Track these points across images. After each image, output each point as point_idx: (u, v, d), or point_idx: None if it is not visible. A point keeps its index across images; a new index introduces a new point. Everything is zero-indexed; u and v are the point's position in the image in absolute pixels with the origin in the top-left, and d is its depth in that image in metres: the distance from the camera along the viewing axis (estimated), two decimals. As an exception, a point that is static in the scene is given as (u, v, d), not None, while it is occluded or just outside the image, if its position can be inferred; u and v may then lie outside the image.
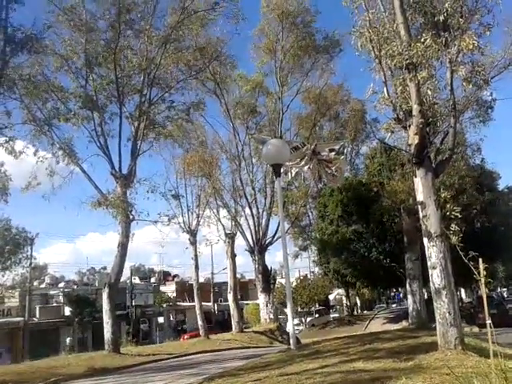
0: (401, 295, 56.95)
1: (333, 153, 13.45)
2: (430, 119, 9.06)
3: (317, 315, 49.96)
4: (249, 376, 7.98)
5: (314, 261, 51.73)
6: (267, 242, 27.62)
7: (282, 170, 12.51)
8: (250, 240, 27.16)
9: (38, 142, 17.82)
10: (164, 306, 52.21)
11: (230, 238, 25.48)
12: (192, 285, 31.05)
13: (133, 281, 48.85)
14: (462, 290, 53.02)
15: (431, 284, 8.35)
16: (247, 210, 27.83)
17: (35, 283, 46.79)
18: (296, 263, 53.71)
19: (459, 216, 8.01)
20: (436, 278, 8.20)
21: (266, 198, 28.32)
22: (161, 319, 50.80)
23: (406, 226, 21.34)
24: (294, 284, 45.20)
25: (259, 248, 26.94)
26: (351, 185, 32.72)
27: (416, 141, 8.43)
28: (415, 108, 8.35)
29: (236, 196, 28.04)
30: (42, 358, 16.58)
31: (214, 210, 26.82)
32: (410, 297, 21.06)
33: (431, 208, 8.37)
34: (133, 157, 18.01)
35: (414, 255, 20.27)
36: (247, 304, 48.43)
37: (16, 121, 16.66)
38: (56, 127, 17.70)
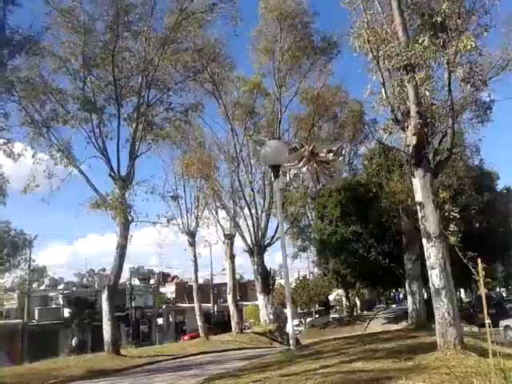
0: (401, 296, 56.94)
1: (331, 154, 13.44)
2: (428, 120, 9.09)
3: (316, 316, 50.01)
4: (249, 377, 7.99)
5: (313, 261, 51.83)
6: (266, 242, 27.66)
7: (280, 171, 12.52)
8: (249, 241, 27.17)
9: (36, 144, 17.82)
10: (163, 307, 52.19)
11: (229, 239, 25.51)
12: (191, 286, 31.08)
13: (132, 282, 48.86)
14: (462, 290, 53.02)
15: (430, 284, 8.37)
16: (246, 211, 27.90)
17: (34, 285, 46.73)
18: (295, 264, 53.84)
19: (458, 216, 8.04)
20: (435, 278, 8.21)
21: (264, 199, 28.37)
22: (160, 320, 50.76)
23: (405, 226, 21.39)
24: (294, 285, 45.24)
25: (258, 249, 26.96)
26: (350, 185, 32.71)
27: (414, 141, 8.45)
28: (413, 109, 8.37)
29: (235, 197, 28.07)
30: (41, 360, 16.55)
31: (213, 211, 26.88)
32: (409, 297, 21.12)
33: (430, 208, 8.38)
34: (131, 158, 18.01)
35: (414, 255, 20.33)
36: (247, 305, 48.44)
37: (14, 123, 16.65)
38: (54, 129, 17.70)
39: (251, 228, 27.32)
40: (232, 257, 25.48)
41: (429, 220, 8.37)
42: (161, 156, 24.72)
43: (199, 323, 24.28)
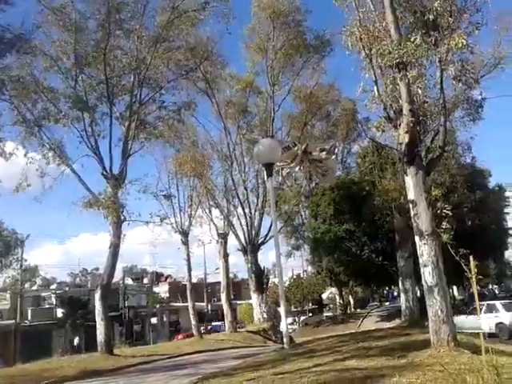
0: (395, 293, 57.07)
1: (324, 152, 13.48)
2: (421, 118, 9.10)
3: (310, 314, 50.12)
4: (243, 375, 7.98)
5: (306, 260, 51.86)
6: (260, 241, 27.66)
7: (273, 170, 12.52)
8: (243, 240, 27.17)
9: (28, 143, 17.72)
10: (157, 306, 52.12)
11: (223, 237, 25.51)
12: (185, 285, 31.04)
13: (125, 282, 48.71)
14: (455, 288, 53.27)
15: (423, 282, 8.39)
16: (240, 210, 27.90)
17: (26, 285, 46.50)
18: (289, 262, 53.83)
19: (450, 214, 8.07)
20: (428, 275, 8.23)
21: (258, 198, 28.37)
22: (154, 320, 50.68)
23: (398, 224, 21.47)
24: (288, 283, 45.32)
25: (252, 247, 26.96)
26: (343, 184, 32.75)
27: (407, 139, 8.46)
28: (405, 107, 8.38)
29: (228, 196, 28.07)
30: (34, 360, 16.46)
31: (207, 210, 26.88)
32: (402, 295, 21.21)
33: (422, 206, 8.40)
34: (124, 157, 17.94)
35: (406, 253, 20.41)
36: (240, 304, 48.44)
37: (5, 122, 16.60)
38: (46, 128, 17.63)
39: (245, 227, 27.32)
40: (226, 256, 25.47)
41: (421, 218, 8.39)
42: (154, 155, 24.74)
43: (193, 322, 24.27)
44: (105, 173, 17.45)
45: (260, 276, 27.16)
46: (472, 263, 5.76)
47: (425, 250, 8.30)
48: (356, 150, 38.40)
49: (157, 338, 43.56)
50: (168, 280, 67.14)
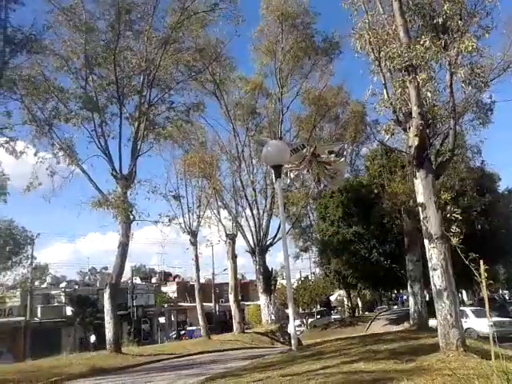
0: (404, 297, 56.74)
1: (332, 155, 13.46)
2: (430, 121, 9.08)
3: (318, 316, 49.94)
4: (250, 376, 8.00)
5: (314, 262, 51.74)
6: (268, 242, 27.67)
7: (282, 172, 12.52)
8: (251, 241, 27.19)
9: (38, 143, 17.83)
10: (165, 306, 52.29)
11: (231, 238, 25.50)
12: (193, 285, 31.09)
13: (134, 281, 48.93)
14: (464, 292, 52.90)
15: (432, 286, 8.36)
16: (248, 211, 27.92)
17: (36, 283, 46.82)
18: (297, 264, 53.62)
19: (459, 218, 8.02)
20: (437, 279, 8.21)
21: (266, 199, 28.38)
22: (162, 319, 50.87)
23: (407, 227, 21.31)
24: (295, 285, 45.26)
25: (260, 249, 26.98)
26: (352, 186, 32.71)
27: (416, 142, 8.44)
28: (415, 110, 8.37)
29: (236, 197, 28.12)
30: (43, 357, 16.61)
31: (215, 211, 26.87)
32: (411, 298, 21.04)
33: (432, 209, 8.38)
34: (133, 157, 18.01)
35: (415, 257, 20.25)
36: (248, 305, 48.46)
37: (16, 121, 16.67)
38: (56, 128, 17.70)
39: (253, 228, 27.36)
40: (234, 257, 25.47)
41: (430, 221, 8.36)
42: (162, 155, 24.84)
43: (201, 322, 24.31)
44: (114, 173, 17.54)
45: (268, 277, 27.14)
46: (482, 267, 5.74)
47: (434, 254, 8.28)
48: (365, 153, 38.29)
49: (164, 338, 43.74)
50: (176, 280, 67.30)
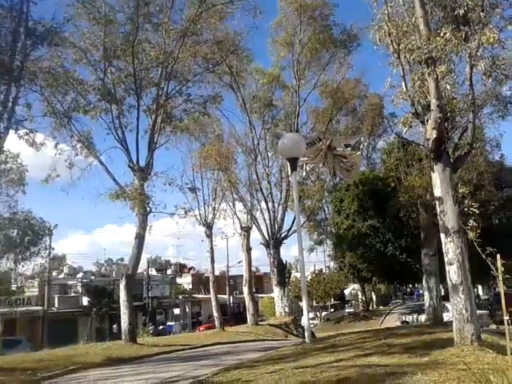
0: (420, 291, 56.31)
1: (348, 148, 13.40)
2: (449, 114, 9.00)
3: (332, 310, 49.93)
4: (264, 368, 8.05)
5: (329, 255, 51.67)
6: (282, 235, 27.69)
7: (297, 164, 12.50)
8: (266, 234, 27.24)
9: (57, 135, 18.10)
10: (180, 297, 52.74)
11: (246, 231, 25.58)
12: (208, 277, 31.31)
13: (149, 272, 49.37)
14: (479, 287, 52.36)
15: (448, 280, 8.31)
16: (263, 204, 27.94)
17: (54, 273, 47.50)
18: (311, 257, 53.68)
19: (477, 212, 7.95)
20: (453, 273, 8.16)
21: (281, 192, 28.38)
22: (177, 310, 51.33)
23: (423, 221, 21.12)
24: (309, 278, 45.25)
25: (274, 242, 27.02)
26: (368, 179, 32.55)
27: (434, 135, 8.37)
28: (433, 102, 8.28)
29: (252, 190, 28.13)
30: (60, 346, 16.88)
31: (230, 204, 26.96)
32: (426, 293, 20.88)
33: (449, 203, 8.31)
34: (150, 149, 18.13)
35: (431, 251, 20.08)
36: (262, 297, 48.63)
37: (36, 113, 16.85)
38: (75, 119, 17.94)
39: (268, 221, 27.37)
40: (248, 249, 25.55)
41: (447, 215, 8.30)
42: (179, 148, 24.98)
43: (215, 314, 24.50)
44: (131, 165, 17.67)
45: (282, 270, 27.20)
46: (499, 262, 5.69)
47: (450, 248, 8.22)
48: (381, 146, 38.04)
49: (179, 329, 44.11)
50: (191, 272, 67.72)
